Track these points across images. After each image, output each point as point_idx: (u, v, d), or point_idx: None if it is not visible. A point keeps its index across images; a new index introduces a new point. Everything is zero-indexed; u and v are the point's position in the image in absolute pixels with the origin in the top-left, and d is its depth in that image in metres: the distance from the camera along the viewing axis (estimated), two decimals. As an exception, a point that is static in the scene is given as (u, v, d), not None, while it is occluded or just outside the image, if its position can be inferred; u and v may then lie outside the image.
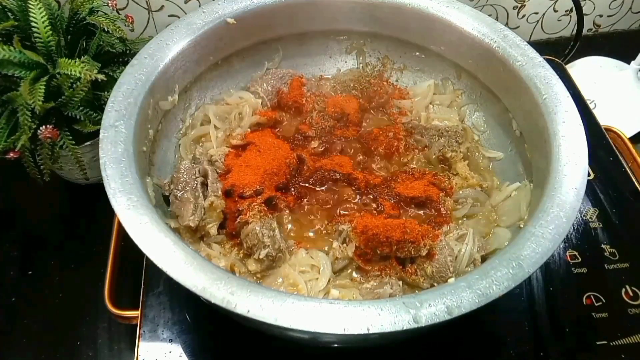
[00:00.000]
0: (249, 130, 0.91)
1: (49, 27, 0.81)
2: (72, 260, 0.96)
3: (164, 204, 0.80)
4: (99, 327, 0.87)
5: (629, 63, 1.23)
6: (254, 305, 0.55)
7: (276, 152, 0.85)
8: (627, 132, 1.12)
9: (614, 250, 0.88)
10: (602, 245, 0.89)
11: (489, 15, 0.90)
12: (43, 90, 0.77)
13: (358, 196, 0.85)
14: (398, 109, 0.99)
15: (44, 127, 0.81)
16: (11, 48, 0.79)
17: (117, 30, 0.87)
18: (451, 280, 0.72)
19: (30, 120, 0.79)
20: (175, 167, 0.85)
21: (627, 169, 1.00)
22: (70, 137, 0.85)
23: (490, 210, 0.84)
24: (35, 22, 0.80)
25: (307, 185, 0.86)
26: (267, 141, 0.87)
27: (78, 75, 0.79)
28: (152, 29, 1.17)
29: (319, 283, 0.75)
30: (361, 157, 0.91)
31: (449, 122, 0.97)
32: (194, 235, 0.78)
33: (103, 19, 0.87)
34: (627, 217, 0.93)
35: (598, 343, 0.78)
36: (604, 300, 0.82)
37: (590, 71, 1.26)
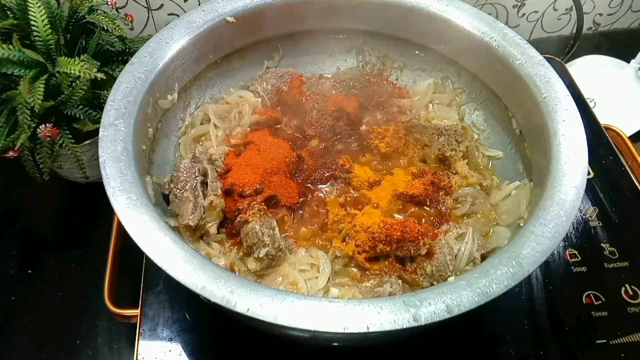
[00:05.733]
0: (248, 129, 0.91)
1: (49, 26, 0.81)
2: (71, 259, 0.96)
3: (164, 202, 0.80)
4: (98, 325, 0.87)
5: (628, 62, 1.23)
6: (253, 303, 0.55)
7: (276, 151, 0.85)
8: (627, 130, 1.12)
9: (613, 249, 0.88)
10: (602, 244, 0.89)
11: (489, 14, 0.90)
12: (42, 89, 0.77)
13: (358, 195, 0.85)
14: (398, 108, 0.98)
15: (43, 125, 0.81)
16: (10, 47, 0.79)
17: (117, 28, 0.87)
18: (451, 279, 0.72)
19: (29, 119, 0.79)
20: (175, 166, 0.85)
21: (627, 168, 1.00)
22: (70, 136, 0.85)
23: (489, 209, 0.84)
24: (34, 21, 0.80)
25: (307, 184, 0.86)
26: (266, 140, 0.87)
27: (77, 73, 0.79)
28: (152, 27, 1.17)
29: (319, 282, 0.75)
30: (361, 155, 0.91)
31: (448, 120, 0.97)
32: (193, 234, 0.78)
33: (102, 17, 0.87)
34: (627, 216, 0.93)
35: (598, 342, 0.78)
36: (603, 299, 0.82)
37: (590, 70, 1.26)
